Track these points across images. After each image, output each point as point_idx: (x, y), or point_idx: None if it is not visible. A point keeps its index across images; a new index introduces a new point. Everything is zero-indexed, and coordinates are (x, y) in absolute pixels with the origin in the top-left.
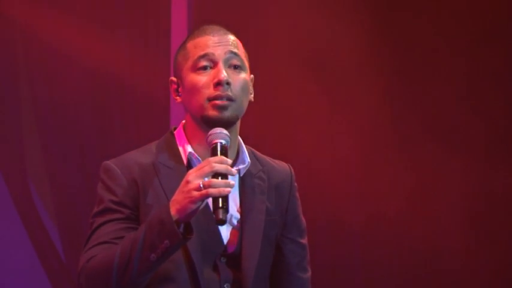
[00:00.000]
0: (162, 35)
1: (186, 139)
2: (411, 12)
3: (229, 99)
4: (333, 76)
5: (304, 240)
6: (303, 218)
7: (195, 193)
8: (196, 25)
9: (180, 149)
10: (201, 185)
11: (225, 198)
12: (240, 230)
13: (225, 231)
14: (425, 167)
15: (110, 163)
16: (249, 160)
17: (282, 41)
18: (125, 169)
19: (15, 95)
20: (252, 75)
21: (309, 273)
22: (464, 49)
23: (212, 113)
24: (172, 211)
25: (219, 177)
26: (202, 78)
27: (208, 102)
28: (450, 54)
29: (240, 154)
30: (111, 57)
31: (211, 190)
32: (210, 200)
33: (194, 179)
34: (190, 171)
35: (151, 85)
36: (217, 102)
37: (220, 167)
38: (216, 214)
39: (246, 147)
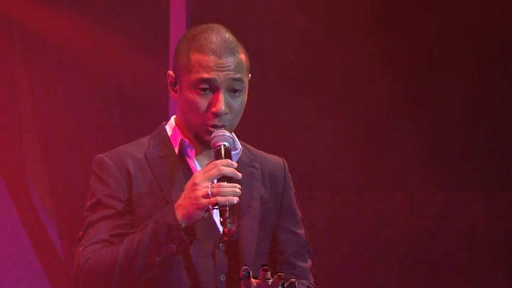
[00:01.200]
0: (160, 35)
1: (179, 132)
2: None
3: (224, 125)
4: (333, 76)
5: (301, 230)
6: (298, 209)
7: (203, 200)
8: (195, 24)
9: (172, 138)
10: (210, 192)
11: (233, 207)
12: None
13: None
14: (426, 167)
15: (102, 156)
16: (240, 147)
17: (281, 39)
18: (118, 161)
19: (14, 95)
20: (249, 75)
21: (309, 263)
22: (469, 51)
23: (205, 136)
24: (179, 215)
25: (225, 181)
26: (201, 101)
27: (203, 125)
28: (453, 58)
29: (232, 142)
30: (110, 56)
31: (220, 198)
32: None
33: (201, 181)
34: (196, 173)
35: (150, 85)
36: (212, 130)
37: (227, 170)
38: (224, 224)
39: (239, 141)
